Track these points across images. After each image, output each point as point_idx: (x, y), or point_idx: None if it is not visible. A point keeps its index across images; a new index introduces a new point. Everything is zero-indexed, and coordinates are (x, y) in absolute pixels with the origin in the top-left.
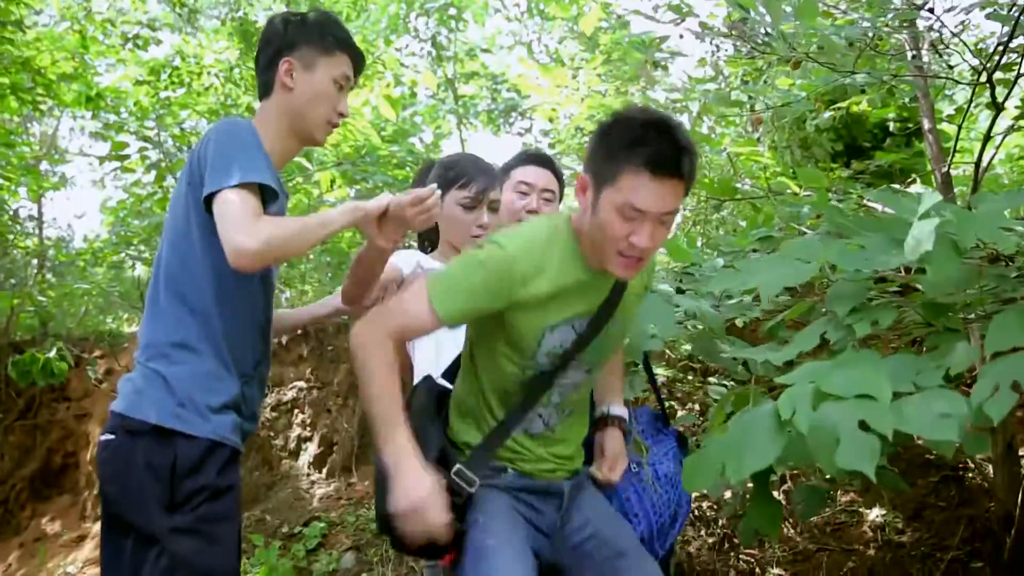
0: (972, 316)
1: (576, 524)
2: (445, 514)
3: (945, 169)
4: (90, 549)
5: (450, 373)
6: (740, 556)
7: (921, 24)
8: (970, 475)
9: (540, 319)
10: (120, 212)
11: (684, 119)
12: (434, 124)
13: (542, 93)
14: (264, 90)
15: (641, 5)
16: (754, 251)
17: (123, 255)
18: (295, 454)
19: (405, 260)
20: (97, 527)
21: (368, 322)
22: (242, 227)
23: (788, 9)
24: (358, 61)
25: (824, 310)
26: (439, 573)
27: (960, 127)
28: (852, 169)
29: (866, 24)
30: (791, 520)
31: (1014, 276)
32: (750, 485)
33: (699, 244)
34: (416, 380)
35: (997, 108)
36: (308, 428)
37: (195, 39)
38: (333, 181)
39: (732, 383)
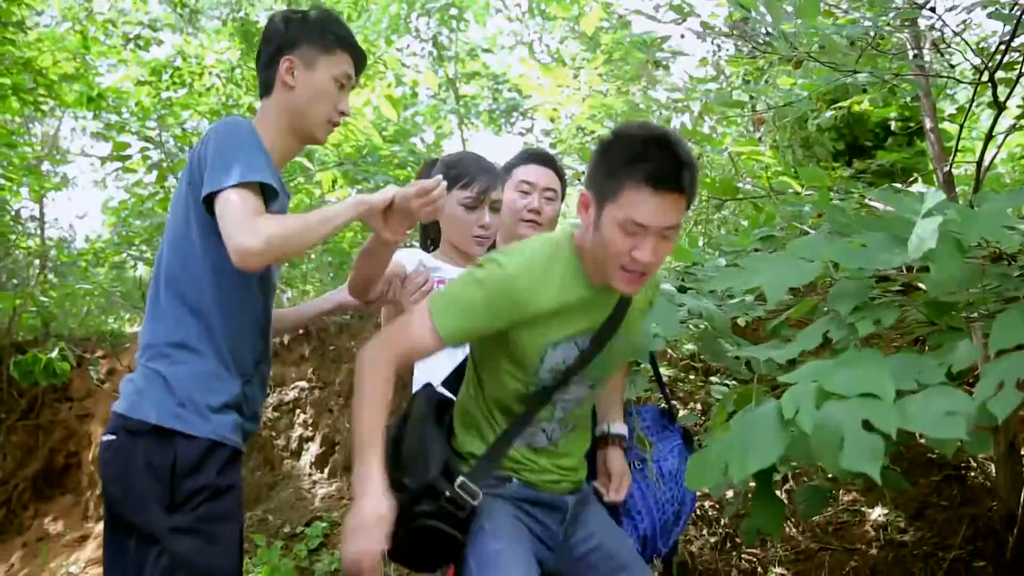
0: (975, 315)
1: (580, 536)
2: (380, 544)
3: (947, 168)
4: (92, 549)
5: (450, 382)
6: (742, 555)
7: (923, 23)
8: (972, 474)
9: (542, 336)
10: (122, 212)
11: (685, 119)
12: (435, 124)
13: (543, 93)
14: (265, 88)
15: (642, 5)
16: (756, 250)
17: (125, 255)
18: (297, 454)
19: (408, 258)
20: (99, 527)
21: (375, 346)
22: (243, 227)
23: (789, 9)
24: (359, 60)
25: (826, 309)
26: None
27: (962, 126)
28: (854, 168)
29: (867, 23)
30: (793, 519)
31: (1017, 275)
32: (752, 484)
33: (701, 244)
34: (415, 383)
35: (999, 107)
36: (310, 428)
37: (196, 39)
38: (335, 181)
39: (734, 382)
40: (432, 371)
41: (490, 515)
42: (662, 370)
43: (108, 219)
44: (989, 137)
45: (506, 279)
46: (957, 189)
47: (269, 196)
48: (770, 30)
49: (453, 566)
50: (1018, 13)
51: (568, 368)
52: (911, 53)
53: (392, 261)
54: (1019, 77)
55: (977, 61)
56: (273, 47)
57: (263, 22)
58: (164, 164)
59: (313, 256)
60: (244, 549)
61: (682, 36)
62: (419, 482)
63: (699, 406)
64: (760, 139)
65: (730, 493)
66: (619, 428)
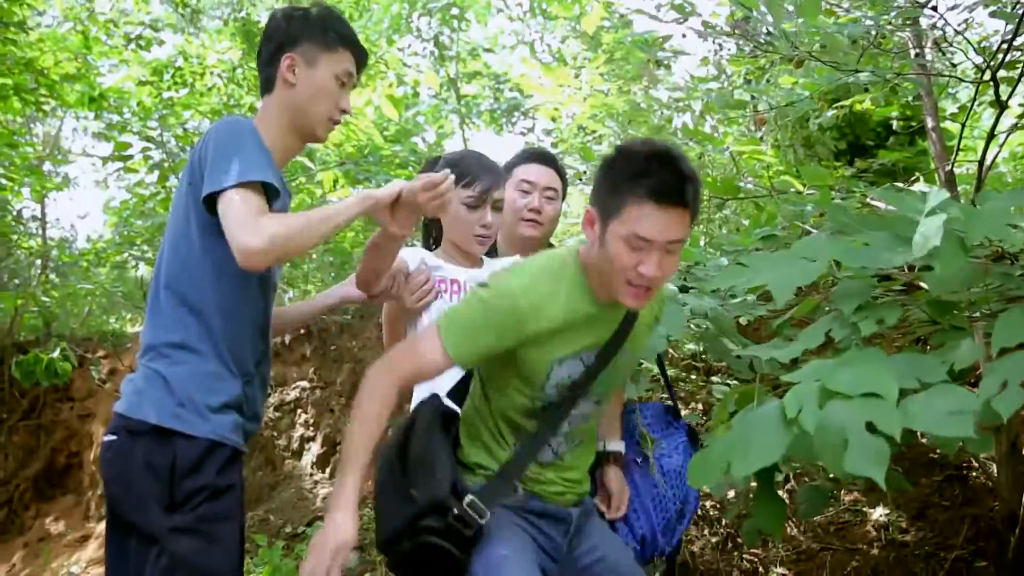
0: (977, 314)
1: (584, 548)
2: (333, 571)
3: (948, 167)
4: (94, 549)
5: (455, 393)
6: (744, 556)
7: (924, 22)
8: (974, 474)
9: (548, 353)
10: (123, 212)
11: (687, 118)
12: (437, 124)
13: (545, 92)
14: (266, 86)
15: (644, 4)
16: (757, 250)
17: (126, 255)
18: (298, 454)
19: (410, 256)
20: (101, 527)
21: (383, 366)
22: (246, 226)
23: (790, 8)
24: (360, 57)
25: (827, 308)
26: None
27: (963, 125)
28: (855, 168)
29: (869, 22)
30: (795, 519)
31: (1019, 274)
32: (753, 484)
33: (702, 243)
34: (418, 393)
35: (1001, 106)
36: (311, 428)
37: (198, 39)
38: (336, 181)
39: (735, 382)
40: (436, 381)
41: (497, 523)
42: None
43: (110, 219)
44: (991, 136)
45: (513, 299)
46: (959, 188)
47: (271, 195)
48: (771, 29)
49: None
50: (1020, 12)
51: (574, 383)
52: (913, 52)
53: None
54: (1021, 76)
55: (979, 60)
56: (274, 44)
57: (264, 22)
58: (165, 164)
59: (315, 256)
60: (245, 549)
61: (683, 35)
62: (428, 497)
63: (700, 406)
64: (761, 138)
65: (731, 493)
66: (616, 445)
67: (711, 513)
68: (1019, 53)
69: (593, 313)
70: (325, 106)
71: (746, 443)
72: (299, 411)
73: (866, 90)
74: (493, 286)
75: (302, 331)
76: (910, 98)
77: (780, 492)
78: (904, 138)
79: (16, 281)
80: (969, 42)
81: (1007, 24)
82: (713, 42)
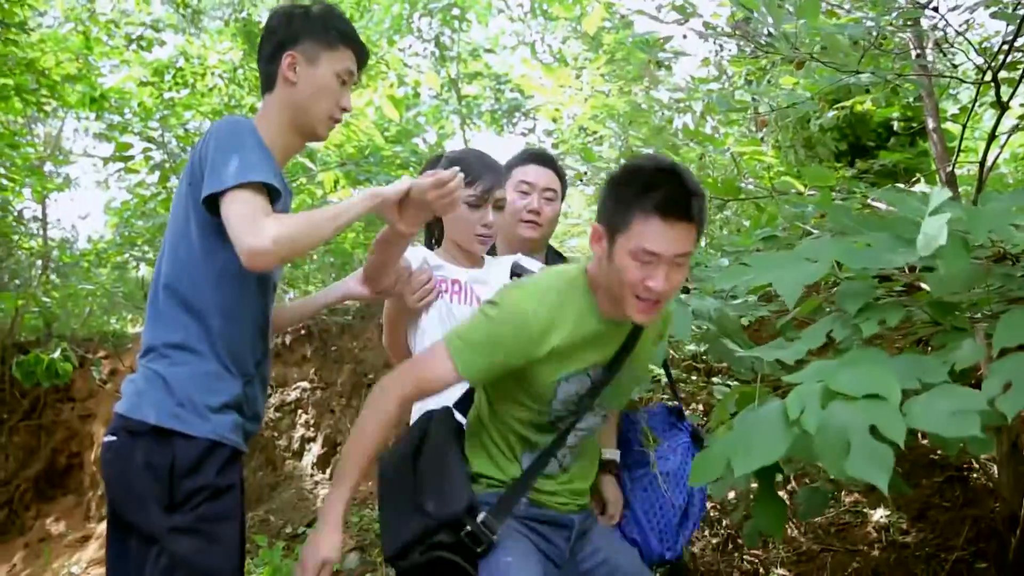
0: (979, 315)
1: (587, 552)
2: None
3: (949, 168)
4: (94, 549)
5: (461, 403)
6: (744, 556)
7: (925, 23)
8: (975, 475)
9: (556, 371)
10: (124, 213)
11: (688, 119)
12: (437, 124)
13: (545, 93)
14: (267, 84)
15: (645, 5)
16: (758, 251)
17: (127, 256)
18: (299, 454)
19: (413, 255)
20: (101, 527)
21: (390, 383)
22: (250, 228)
23: (790, 9)
24: (361, 55)
25: (828, 309)
26: None
27: (964, 126)
28: (856, 168)
29: (870, 23)
30: (795, 520)
31: (1020, 275)
32: (754, 486)
33: (703, 244)
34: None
35: (1002, 107)
36: (312, 428)
37: (199, 40)
38: (336, 181)
39: (735, 383)
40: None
41: (501, 530)
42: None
43: (110, 220)
44: (992, 137)
45: (524, 321)
46: (960, 189)
47: (272, 196)
48: (772, 30)
49: None
50: (1021, 13)
51: (581, 398)
52: (914, 53)
53: None
54: (1022, 77)
55: (980, 61)
56: (275, 42)
57: (265, 22)
58: (166, 165)
59: (315, 256)
60: (246, 549)
61: (684, 36)
62: (444, 513)
63: (701, 407)
64: (762, 139)
65: (731, 494)
66: (611, 454)
67: (711, 514)
68: (1020, 54)
69: (600, 331)
70: (326, 104)
71: (747, 442)
72: (300, 412)
73: (867, 91)
74: (503, 305)
75: (303, 332)
76: (911, 99)
77: (781, 493)
78: (905, 139)
79: (17, 281)
80: (970, 43)
81: (1008, 25)
82: (714, 43)
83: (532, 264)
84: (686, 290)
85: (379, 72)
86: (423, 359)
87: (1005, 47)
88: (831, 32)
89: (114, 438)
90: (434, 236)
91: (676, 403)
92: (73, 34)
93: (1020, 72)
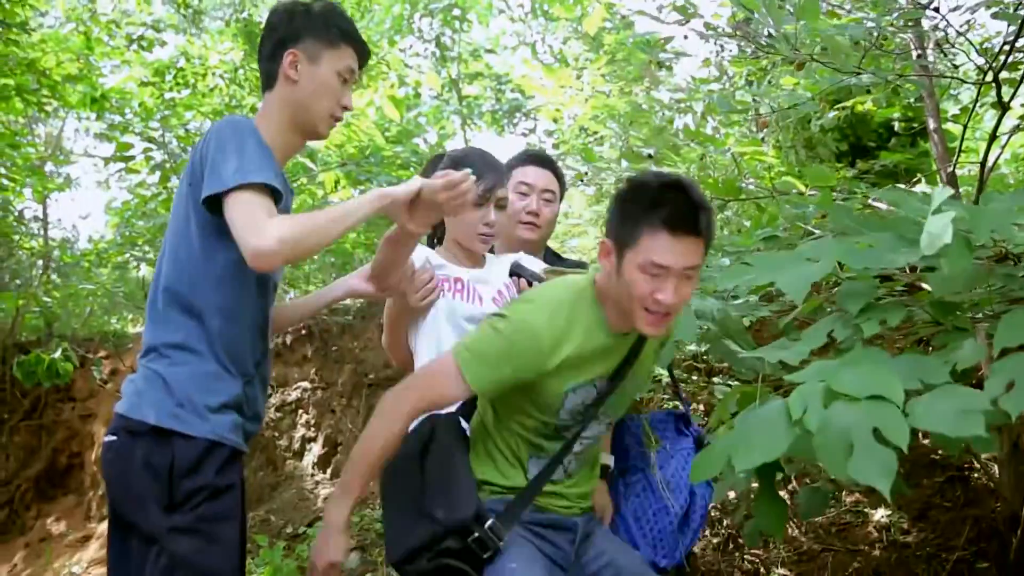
0: (980, 316)
1: (591, 555)
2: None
3: (950, 169)
4: (95, 549)
5: (464, 407)
6: (745, 556)
7: (926, 23)
8: (976, 475)
9: (564, 383)
10: (125, 213)
11: (688, 119)
12: (438, 125)
13: (546, 94)
14: (268, 82)
15: (645, 5)
16: (759, 251)
17: (128, 256)
18: (299, 454)
19: (416, 254)
20: (102, 527)
21: (398, 396)
22: (255, 228)
23: (791, 10)
24: (362, 54)
25: (829, 309)
26: None
27: (965, 127)
28: (857, 169)
29: (871, 24)
30: (796, 520)
31: (1022, 275)
32: (755, 485)
33: None
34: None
35: (1003, 108)
36: (312, 428)
37: (200, 40)
38: (337, 182)
39: (736, 383)
40: None
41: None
42: (665, 370)
43: (111, 220)
44: (993, 137)
45: (534, 335)
46: (960, 190)
47: (275, 197)
48: (772, 31)
49: None
50: (1022, 14)
51: (586, 408)
52: (915, 53)
53: None
54: (1023, 78)
55: (981, 61)
56: (276, 40)
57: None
58: (167, 165)
59: (316, 257)
60: (247, 549)
61: (685, 37)
62: (452, 519)
63: (702, 407)
64: (763, 140)
65: (732, 494)
66: (604, 459)
67: (712, 514)
68: (1021, 55)
69: (608, 343)
70: (327, 102)
71: (749, 439)
72: (300, 412)
73: (868, 92)
74: (513, 319)
75: (303, 332)
76: (912, 99)
77: (781, 493)
78: (906, 139)
79: (18, 281)
80: (971, 43)
81: (1009, 25)
82: (715, 43)
83: (533, 263)
84: None
85: (380, 72)
86: (433, 373)
87: (1006, 48)
88: (832, 33)
89: (114, 438)
90: (435, 235)
91: (683, 409)
92: (74, 34)
93: (1021, 73)
